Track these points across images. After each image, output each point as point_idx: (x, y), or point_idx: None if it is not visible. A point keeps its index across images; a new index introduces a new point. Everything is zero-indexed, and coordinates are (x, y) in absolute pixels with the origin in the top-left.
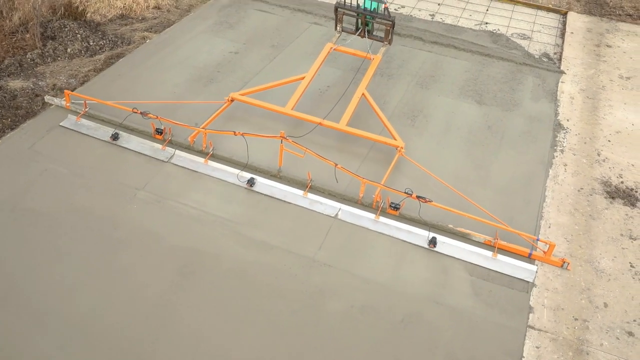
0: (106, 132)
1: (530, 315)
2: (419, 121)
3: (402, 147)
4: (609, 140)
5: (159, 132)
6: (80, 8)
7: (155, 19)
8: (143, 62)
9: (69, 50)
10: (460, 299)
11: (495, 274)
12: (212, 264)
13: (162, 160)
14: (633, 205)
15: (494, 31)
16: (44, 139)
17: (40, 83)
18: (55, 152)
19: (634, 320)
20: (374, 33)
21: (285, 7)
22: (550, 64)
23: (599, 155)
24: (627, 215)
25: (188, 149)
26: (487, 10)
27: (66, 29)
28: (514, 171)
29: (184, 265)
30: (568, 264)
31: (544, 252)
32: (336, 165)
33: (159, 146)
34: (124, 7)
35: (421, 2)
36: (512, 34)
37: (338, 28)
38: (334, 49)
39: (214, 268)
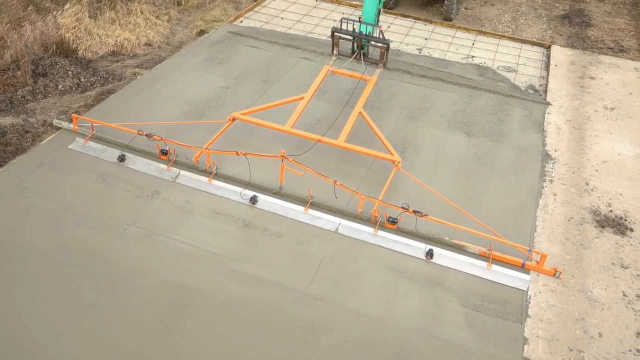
0: (113, 153)
1: (525, 346)
2: (409, 153)
3: (398, 162)
4: (596, 170)
5: (164, 153)
6: (72, 45)
7: (146, 55)
8: (134, 97)
9: (59, 86)
10: (454, 331)
11: (489, 305)
12: (204, 300)
13: (168, 180)
14: (623, 233)
15: (481, 64)
16: (33, 175)
17: (30, 119)
18: (44, 188)
19: (629, 350)
20: (369, 56)
21: (274, 42)
22: (537, 96)
23: (587, 184)
24: (617, 243)
25: (192, 168)
26: (473, 44)
27: (57, 66)
28: (504, 202)
29: (175, 301)
30: (560, 272)
31: (536, 262)
32: (335, 182)
33: (164, 166)
34: (115, 44)
35: (408, 37)
36: (498, 66)
37: (335, 51)
38: (332, 71)
39: (206, 304)
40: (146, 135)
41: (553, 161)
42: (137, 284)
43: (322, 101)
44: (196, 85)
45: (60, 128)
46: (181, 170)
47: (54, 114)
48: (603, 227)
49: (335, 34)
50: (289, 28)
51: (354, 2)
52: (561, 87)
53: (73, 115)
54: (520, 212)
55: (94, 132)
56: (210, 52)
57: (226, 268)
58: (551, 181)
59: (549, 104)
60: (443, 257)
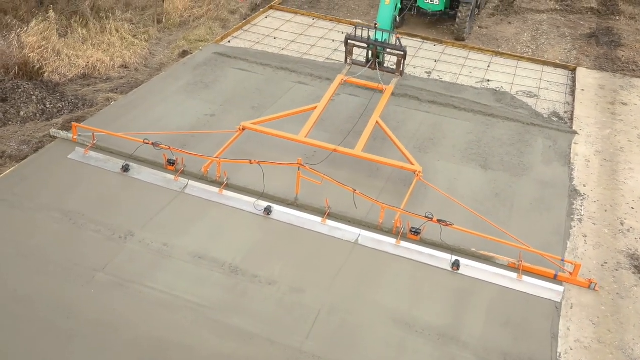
0: (116, 164)
1: None
2: (418, 188)
3: (420, 172)
4: (632, 208)
5: (171, 163)
6: (37, 67)
7: (121, 78)
8: (106, 126)
9: (22, 113)
10: None
11: None
12: (183, 358)
13: (175, 190)
14: None
15: (497, 89)
16: None
17: None
18: (0, 230)
19: None
20: (385, 64)
21: (266, 65)
22: (561, 124)
23: (622, 224)
24: None
25: (202, 179)
26: (489, 66)
27: (20, 90)
28: (527, 245)
29: None
30: (595, 284)
31: (570, 273)
32: (355, 190)
33: (172, 177)
34: (86, 65)
35: (416, 59)
36: (517, 91)
37: (348, 60)
38: (345, 80)
39: None
40: (152, 144)
41: (582, 198)
42: (106, 340)
43: (320, 130)
44: (178, 112)
45: (41, 148)
46: (190, 181)
47: (15, 144)
48: None
49: (350, 41)
50: (283, 49)
51: (354, 20)
52: (589, 114)
53: (73, 124)
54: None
55: (95, 142)
56: (194, 76)
57: (209, 320)
58: (580, 221)
59: (575, 133)
60: (470, 268)
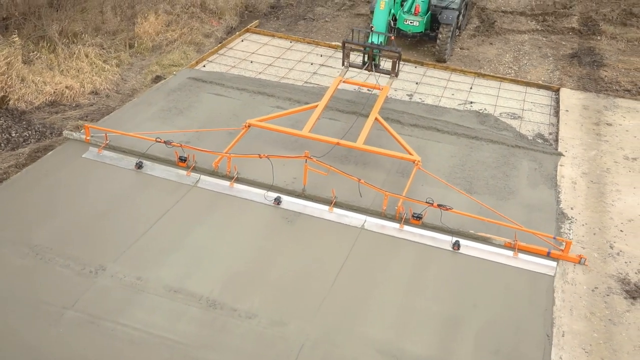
0: (130, 161)
1: None
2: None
3: (419, 161)
4: (621, 230)
5: (183, 160)
6: (1, 94)
7: (91, 105)
8: (76, 156)
9: None
10: None
11: None
12: None
13: (188, 185)
14: None
15: (481, 111)
16: None
17: None
18: None
19: None
20: (381, 66)
21: (242, 89)
22: (546, 146)
23: (611, 247)
24: None
25: (213, 174)
26: (471, 88)
27: None
28: (515, 271)
29: None
30: (585, 259)
31: (561, 250)
32: (360, 180)
33: (184, 172)
34: (54, 92)
35: (397, 81)
36: (500, 113)
37: (345, 63)
38: (343, 81)
39: None
40: (165, 142)
41: (570, 221)
42: None
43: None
44: (144, 144)
45: (6, 179)
46: (201, 176)
47: None
48: (634, 298)
49: (347, 44)
50: (260, 73)
51: (333, 43)
52: (574, 135)
53: (85, 125)
54: (535, 283)
55: (108, 142)
56: (168, 101)
57: (186, 358)
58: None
59: (561, 154)
60: (470, 248)
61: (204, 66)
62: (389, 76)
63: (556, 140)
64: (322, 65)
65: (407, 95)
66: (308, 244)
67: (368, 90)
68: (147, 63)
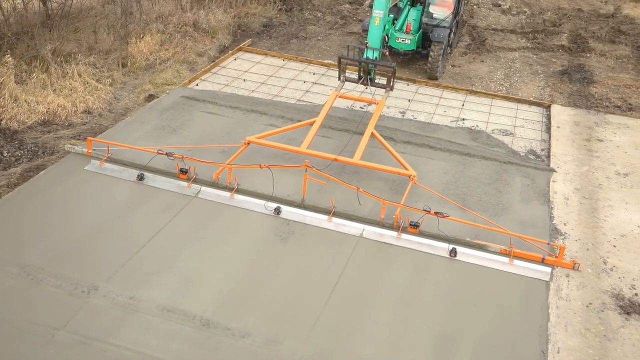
0: (131, 173)
1: None
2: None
3: (414, 176)
4: (614, 246)
5: (184, 172)
6: None
7: (84, 124)
8: (68, 175)
9: None
10: None
11: None
12: None
13: (189, 196)
14: None
15: (473, 127)
16: None
17: None
18: None
19: None
20: (376, 81)
21: (236, 107)
22: (539, 162)
23: (605, 263)
24: None
25: (213, 185)
26: (463, 105)
27: None
28: (509, 287)
29: None
30: (579, 265)
31: (555, 256)
32: (358, 189)
33: (185, 184)
34: (47, 112)
35: (389, 99)
36: (492, 129)
37: (342, 78)
38: (340, 96)
39: None
40: (166, 154)
41: (563, 237)
42: None
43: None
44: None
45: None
46: (202, 187)
47: None
48: (629, 313)
49: (342, 60)
50: (252, 91)
51: (326, 61)
52: (566, 151)
53: (88, 138)
54: (529, 299)
55: (109, 155)
56: (161, 120)
57: None
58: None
59: (553, 170)
60: (466, 255)
61: (197, 85)
62: (384, 90)
63: (548, 157)
64: (315, 83)
65: (399, 112)
66: (303, 260)
67: (361, 107)
68: (140, 82)
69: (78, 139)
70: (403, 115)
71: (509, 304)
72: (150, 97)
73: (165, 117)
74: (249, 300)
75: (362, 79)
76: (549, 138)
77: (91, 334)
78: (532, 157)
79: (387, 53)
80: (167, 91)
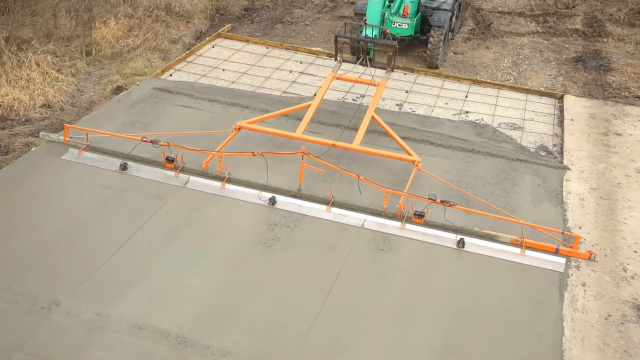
0: (114, 162)
1: None
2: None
3: (418, 162)
4: (635, 251)
5: (170, 160)
6: None
7: (44, 119)
8: (25, 178)
9: None
10: None
11: None
12: None
13: (177, 186)
14: None
15: (477, 121)
16: None
17: None
18: None
19: None
20: (375, 62)
21: (214, 100)
22: (550, 159)
23: (625, 270)
24: None
25: (202, 175)
26: (466, 96)
27: None
28: (519, 297)
29: None
30: (595, 255)
31: (570, 246)
32: (359, 177)
33: (172, 173)
34: (1, 105)
35: (385, 90)
36: (499, 123)
37: (338, 58)
38: (337, 77)
39: None
40: (151, 141)
41: (579, 242)
42: None
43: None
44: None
45: None
46: (191, 177)
47: None
48: None
49: (339, 38)
50: (233, 82)
51: (314, 48)
52: (581, 147)
53: (65, 125)
54: (541, 311)
55: (89, 143)
56: (131, 115)
57: None
58: (578, 268)
59: (567, 168)
60: (475, 245)
61: (171, 75)
62: (384, 72)
63: (561, 153)
64: (302, 73)
65: (396, 105)
66: (293, 266)
67: (354, 99)
68: (107, 72)
69: (36, 137)
70: (400, 108)
71: (519, 314)
72: (118, 89)
73: (135, 112)
74: (230, 315)
75: (361, 59)
76: (562, 132)
77: (52, 356)
78: (543, 153)
79: (388, 30)
80: (137, 82)
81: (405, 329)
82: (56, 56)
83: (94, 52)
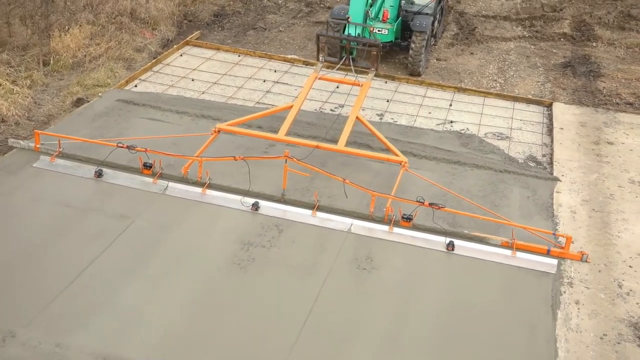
0: (88, 170)
1: None
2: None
3: (405, 162)
4: (630, 266)
5: (148, 166)
6: None
7: None
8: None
9: None
10: None
11: None
12: None
13: (156, 192)
14: None
15: (463, 131)
16: None
17: None
18: None
19: None
20: (359, 61)
21: (183, 113)
22: (540, 170)
23: (620, 286)
24: None
25: (182, 181)
26: (451, 105)
27: None
28: (509, 318)
29: None
30: (587, 256)
31: (561, 247)
32: (344, 180)
33: (150, 180)
34: None
35: (365, 99)
36: (485, 133)
37: (320, 57)
38: (319, 78)
39: None
40: (127, 147)
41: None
42: None
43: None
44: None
45: None
46: (170, 183)
47: None
48: None
49: (321, 37)
50: (203, 92)
51: (289, 56)
52: (571, 157)
53: (35, 131)
54: (533, 332)
55: (61, 150)
56: (93, 129)
57: None
58: (571, 284)
59: (557, 179)
60: (465, 248)
61: (136, 86)
62: (368, 71)
63: (551, 163)
64: (277, 82)
65: (377, 115)
66: (268, 291)
67: (331, 110)
68: (67, 83)
69: None
70: (381, 119)
71: (513, 338)
72: (79, 102)
73: (97, 126)
74: (200, 345)
75: (344, 58)
76: (552, 142)
77: None
78: (532, 164)
79: (373, 28)
80: (100, 94)
81: (392, 355)
82: (10, 66)
83: (52, 61)
